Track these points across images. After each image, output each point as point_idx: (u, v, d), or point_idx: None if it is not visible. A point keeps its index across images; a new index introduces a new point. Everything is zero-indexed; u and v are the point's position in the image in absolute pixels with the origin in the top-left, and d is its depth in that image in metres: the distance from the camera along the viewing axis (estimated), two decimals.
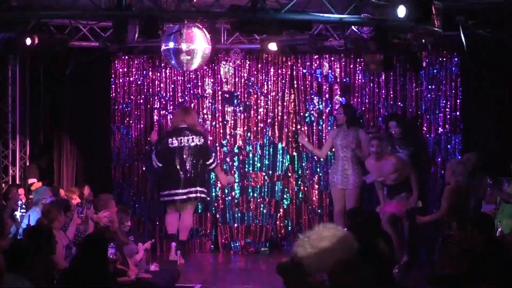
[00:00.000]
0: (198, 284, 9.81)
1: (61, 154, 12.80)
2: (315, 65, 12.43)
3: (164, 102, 12.63)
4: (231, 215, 12.51)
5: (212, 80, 12.59)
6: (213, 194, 12.49)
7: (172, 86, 12.64)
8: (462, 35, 10.05)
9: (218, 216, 12.55)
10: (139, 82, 12.65)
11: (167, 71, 12.60)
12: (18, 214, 10.28)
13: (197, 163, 11.46)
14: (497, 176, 9.77)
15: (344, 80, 12.35)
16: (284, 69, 12.50)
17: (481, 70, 11.64)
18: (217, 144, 12.49)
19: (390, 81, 12.19)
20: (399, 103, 12.14)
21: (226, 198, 12.52)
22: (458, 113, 11.85)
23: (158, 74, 12.65)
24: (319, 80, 12.45)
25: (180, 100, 12.55)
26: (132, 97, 12.65)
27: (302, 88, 12.47)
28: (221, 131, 12.54)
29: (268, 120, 12.49)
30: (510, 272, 6.33)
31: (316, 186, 12.42)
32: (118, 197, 12.18)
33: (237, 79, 12.57)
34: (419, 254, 11.15)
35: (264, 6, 8.68)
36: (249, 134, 12.54)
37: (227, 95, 12.54)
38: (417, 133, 11.89)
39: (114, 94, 12.64)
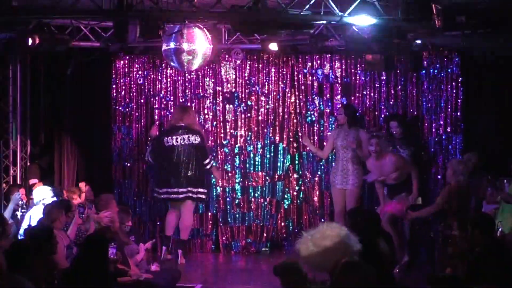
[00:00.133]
0: (199, 284, 9.80)
1: (62, 154, 12.80)
2: (316, 65, 12.43)
3: (164, 102, 12.64)
4: (232, 215, 12.51)
5: (213, 80, 12.59)
6: (214, 194, 12.50)
7: (173, 86, 12.64)
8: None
9: (219, 216, 12.54)
10: (139, 82, 12.66)
11: (168, 71, 12.60)
12: (19, 214, 10.29)
13: (193, 162, 11.41)
14: (498, 176, 9.77)
15: (345, 80, 12.35)
16: (285, 69, 12.50)
17: (481, 70, 11.63)
18: (218, 144, 12.50)
19: (390, 81, 12.20)
20: (400, 103, 12.14)
21: (227, 198, 12.52)
22: (458, 113, 11.85)
23: (159, 74, 12.65)
24: (320, 80, 12.45)
25: (181, 100, 12.55)
26: (132, 97, 12.65)
27: (303, 88, 12.47)
28: (222, 131, 12.54)
29: (269, 120, 12.49)
30: (510, 272, 6.34)
31: (317, 186, 12.42)
32: (118, 197, 12.19)
33: (238, 79, 12.57)
34: (419, 254, 11.16)
35: (265, 6, 8.68)
36: (250, 134, 12.53)
37: (229, 95, 12.55)
38: (417, 133, 11.89)
39: (114, 94, 12.64)
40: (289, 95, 12.52)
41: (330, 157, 12.08)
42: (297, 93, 12.48)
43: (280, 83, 12.51)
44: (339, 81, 12.36)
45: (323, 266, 6.08)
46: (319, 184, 12.41)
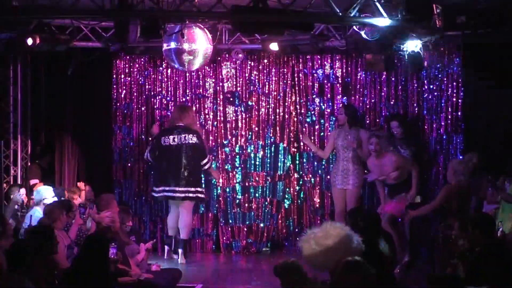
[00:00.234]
0: (200, 284, 9.81)
1: (62, 154, 12.79)
2: (317, 65, 12.43)
3: (165, 102, 12.64)
4: (232, 215, 12.51)
5: (213, 80, 12.60)
6: (215, 194, 12.50)
7: (174, 86, 12.64)
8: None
9: (219, 216, 12.55)
10: (140, 82, 12.66)
11: (169, 71, 12.60)
12: (19, 214, 10.30)
13: (190, 162, 11.38)
14: (498, 176, 9.77)
15: (346, 80, 12.35)
16: (285, 69, 12.51)
17: (482, 70, 11.63)
18: (218, 144, 12.50)
19: (391, 81, 12.20)
20: (400, 103, 12.14)
21: (228, 198, 12.52)
22: (459, 113, 11.84)
23: (160, 74, 12.65)
24: (321, 80, 12.45)
25: (181, 100, 12.55)
26: (133, 97, 12.65)
27: (304, 88, 12.47)
28: (223, 131, 12.54)
29: (270, 120, 12.49)
30: (510, 272, 6.34)
31: (318, 186, 12.42)
32: (119, 197, 12.20)
33: (238, 79, 12.57)
34: (420, 254, 11.16)
35: (265, 6, 8.68)
36: (250, 134, 12.54)
37: (229, 95, 12.55)
38: (418, 133, 11.89)
39: (115, 94, 12.64)
40: (289, 95, 12.52)
41: (330, 157, 12.08)
42: (297, 93, 12.48)
43: (280, 83, 12.51)
44: (340, 81, 12.37)
45: (324, 265, 6.11)
46: (320, 184, 12.41)
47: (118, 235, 8.84)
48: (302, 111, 12.44)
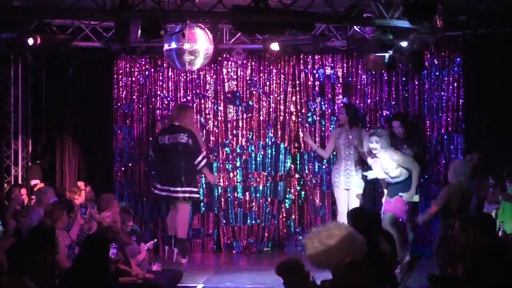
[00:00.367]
0: (201, 284, 9.81)
1: (63, 154, 12.81)
2: (318, 65, 12.44)
3: (166, 102, 12.64)
4: (233, 215, 12.52)
5: (214, 80, 12.60)
6: (215, 194, 12.51)
7: (174, 86, 12.65)
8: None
9: (220, 216, 12.56)
10: (141, 82, 12.67)
11: (169, 71, 12.60)
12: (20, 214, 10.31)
13: (181, 162, 11.28)
14: (499, 176, 9.77)
15: (347, 80, 12.35)
16: (286, 69, 12.52)
17: (483, 70, 11.63)
18: (219, 144, 12.50)
19: (392, 81, 12.20)
20: (401, 103, 12.15)
21: (229, 198, 12.53)
22: (460, 113, 11.85)
23: (160, 74, 12.66)
24: (321, 80, 12.46)
25: (182, 100, 12.55)
26: (134, 97, 12.66)
27: (305, 88, 12.47)
28: (223, 131, 12.55)
29: (270, 120, 12.50)
30: (511, 272, 6.33)
31: (318, 186, 12.43)
32: (120, 197, 12.20)
33: (239, 79, 12.58)
34: (420, 254, 11.15)
35: (266, 6, 8.68)
36: (251, 134, 12.54)
37: (230, 95, 12.55)
38: (419, 133, 11.89)
39: (116, 94, 12.65)
40: (290, 95, 12.53)
41: (331, 157, 12.07)
42: (298, 93, 12.48)
43: (281, 83, 12.51)
44: (341, 81, 12.37)
45: (326, 264, 6.13)
46: (320, 184, 12.41)
47: (119, 235, 8.84)
48: (303, 111, 12.45)
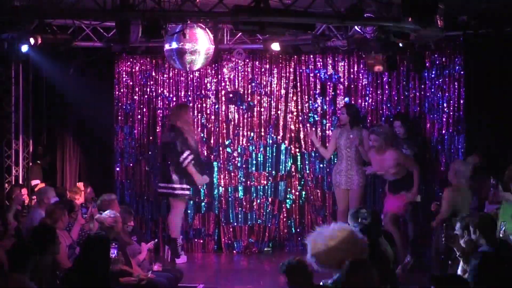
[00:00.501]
0: (201, 284, 9.81)
1: (64, 154, 12.82)
2: (318, 65, 12.43)
3: (167, 102, 12.63)
4: (234, 215, 12.52)
5: (215, 80, 12.60)
6: (216, 194, 12.51)
7: (175, 86, 12.64)
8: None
9: (221, 216, 12.55)
10: (142, 82, 12.66)
11: (170, 71, 12.60)
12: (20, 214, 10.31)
13: (170, 160, 11.34)
14: (500, 176, 9.76)
15: (348, 80, 12.34)
16: (287, 69, 12.51)
17: (484, 70, 11.63)
18: (220, 144, 12.50)
19: (393, 81, 12.19)
20: (402, 103, 12.14)
21: (229, 198, 12.52)
22: (461, 113, 11.85)
23: (161, 74, 12.65)
24: (322, 80, 12.45)
25: (183, 100, 12.54)
26: (135, 97, 12.65)
27: (305, 88, 12.47)
28: (224, 131, 12.54)
29: (271, 120, 12.49)
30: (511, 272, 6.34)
31: (319, 186, 12.42)
32: (121, 197, 12.20)
33: (240, 79, 12.58)
34: (422, 254, 11.15)
35: (267, 6, 8.67)
36: (252, 134, 12.54)
37: (231, 95, 12.54)
38: (420, 133, 11.88)
39: (117, 94, 12.65)
40: (291, 95, 12.52)
41: (332, 157, 12.06)
42: (299, 93, 12.48)
43: (282, 83, 12.51)
44: (341, 81, 12.36)
45: (328, 264, 6.15)
46: (321, 184, 12.41)
47: (120, 235, 8.84)
48: (304, 111, 12.44)
